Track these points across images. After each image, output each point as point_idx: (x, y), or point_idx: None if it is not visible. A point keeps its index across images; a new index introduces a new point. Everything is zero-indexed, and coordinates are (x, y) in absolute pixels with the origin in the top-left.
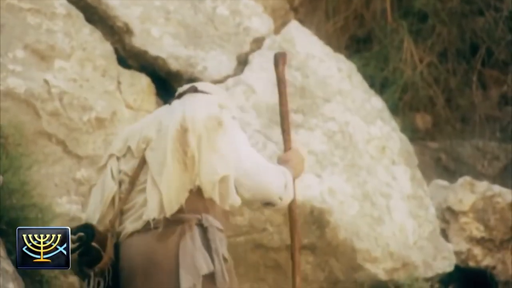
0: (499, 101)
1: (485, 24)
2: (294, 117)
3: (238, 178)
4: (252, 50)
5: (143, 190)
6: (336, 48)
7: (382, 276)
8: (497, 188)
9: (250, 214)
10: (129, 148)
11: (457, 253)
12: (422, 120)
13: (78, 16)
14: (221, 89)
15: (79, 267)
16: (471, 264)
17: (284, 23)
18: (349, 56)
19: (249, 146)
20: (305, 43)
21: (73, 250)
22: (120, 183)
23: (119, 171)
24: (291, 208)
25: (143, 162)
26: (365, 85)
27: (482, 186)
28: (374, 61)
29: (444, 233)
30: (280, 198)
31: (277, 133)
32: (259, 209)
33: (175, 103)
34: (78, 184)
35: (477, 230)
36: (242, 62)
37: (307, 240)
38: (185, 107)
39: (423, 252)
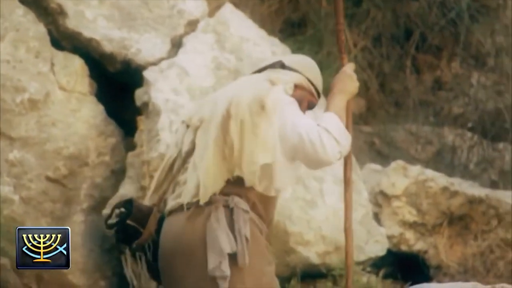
0: (432, 85)
1: (419, 9)
2: None
3: (298, 147)
4: (186, 33)
5: (187, 169)
6: (271, 31)
7: (314, 259)
8: (430, 173)
9: None
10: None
11: (390, 237)
12: (356, 104)
13: None
14: (312, 62)
15: (116, 243)
16: (403, 248)
17: (218, 6)
18: (283, 40)
19: (302, 117)
20: (239, 26)
21: (111, 226)
22: (181, 153)
23: (182, 141)
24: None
25: (194, 141)
26: None
27: (415, 170)
28: (308, 45)
29: (377, 217)
30: (340, 152)
31: None
32: None
33: (238, 81)
34: (10, 166)
35: (409, 214)
36: (176, 45)
37: None
38: (235, 89)
39: (356, 236)
